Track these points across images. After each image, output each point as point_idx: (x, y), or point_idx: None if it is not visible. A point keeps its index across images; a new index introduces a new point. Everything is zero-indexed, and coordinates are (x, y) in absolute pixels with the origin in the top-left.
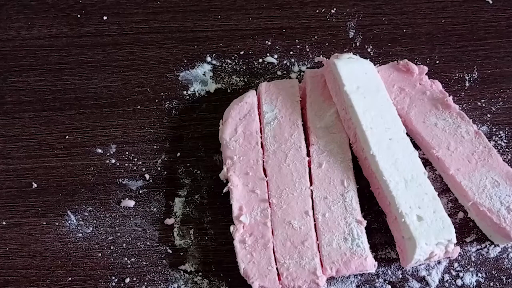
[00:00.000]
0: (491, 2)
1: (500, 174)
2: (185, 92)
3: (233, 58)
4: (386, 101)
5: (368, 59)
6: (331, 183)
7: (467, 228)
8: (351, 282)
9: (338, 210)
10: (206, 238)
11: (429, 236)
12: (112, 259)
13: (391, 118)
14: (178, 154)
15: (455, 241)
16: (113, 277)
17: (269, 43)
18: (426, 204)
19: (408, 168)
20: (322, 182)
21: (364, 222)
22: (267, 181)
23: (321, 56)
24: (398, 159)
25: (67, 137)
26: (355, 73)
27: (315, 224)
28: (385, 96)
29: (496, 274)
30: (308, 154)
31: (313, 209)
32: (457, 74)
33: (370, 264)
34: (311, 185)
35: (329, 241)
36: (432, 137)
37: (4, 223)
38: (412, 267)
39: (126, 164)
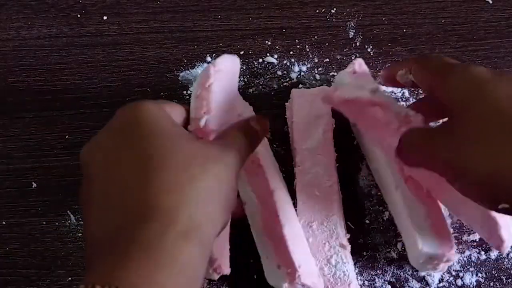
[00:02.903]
0: (491, 2)
1: None
2: (185, 92)
3: None
4: None
5: (368, 59)
6: (315, 206)
7: (467, 228)
8: None
9: (322, 235)
10: None
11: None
12: None
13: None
14: None
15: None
16: None
17: (269, 43)
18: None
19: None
20: (306, 206)
21: (348, 247)
22: None
23: (321, 55)
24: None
25: (67, 137)
26: None
27: None
28: None
29: (496, 274)
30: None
31: None
32: None
33: None
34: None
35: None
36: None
37: (4, 223)
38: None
39: None
